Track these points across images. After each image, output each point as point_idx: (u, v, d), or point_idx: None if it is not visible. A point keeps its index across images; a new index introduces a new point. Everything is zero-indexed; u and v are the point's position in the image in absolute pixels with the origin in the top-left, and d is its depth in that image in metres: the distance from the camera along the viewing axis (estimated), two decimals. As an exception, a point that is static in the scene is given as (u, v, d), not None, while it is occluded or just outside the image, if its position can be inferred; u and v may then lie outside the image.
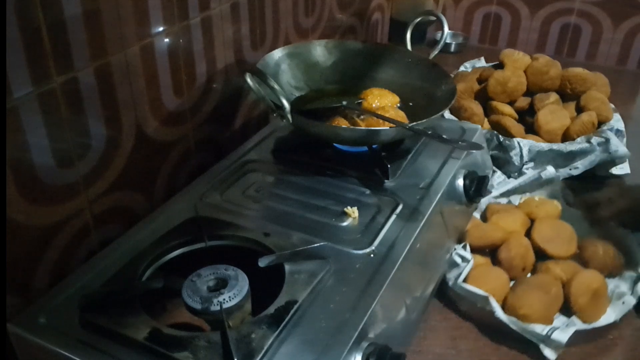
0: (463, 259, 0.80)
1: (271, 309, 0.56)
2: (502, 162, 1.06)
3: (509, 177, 1.05)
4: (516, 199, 0.97)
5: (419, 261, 0.71)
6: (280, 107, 0.74)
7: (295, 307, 0.56)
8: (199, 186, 0.78)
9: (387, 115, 0.83)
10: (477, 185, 0.85)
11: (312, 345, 0.54)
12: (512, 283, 0.80)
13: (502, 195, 0.97)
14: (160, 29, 0.74)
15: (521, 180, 0.98)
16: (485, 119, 1.15)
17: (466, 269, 0.79)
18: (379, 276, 0.62)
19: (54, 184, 0.63)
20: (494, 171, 1.04)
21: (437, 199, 0.76)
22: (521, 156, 1.03)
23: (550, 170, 0.97)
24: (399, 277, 0.64)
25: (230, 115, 0.95)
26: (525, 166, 1.04)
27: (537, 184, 0.98)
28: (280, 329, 0.54)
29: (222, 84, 0.89)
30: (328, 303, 0.58)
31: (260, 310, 0.56)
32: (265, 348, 0.52)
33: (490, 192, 0.99)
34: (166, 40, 0.75)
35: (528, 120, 1.15)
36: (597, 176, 1.05)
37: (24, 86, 0.57)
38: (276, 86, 0.75)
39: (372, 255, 0.65)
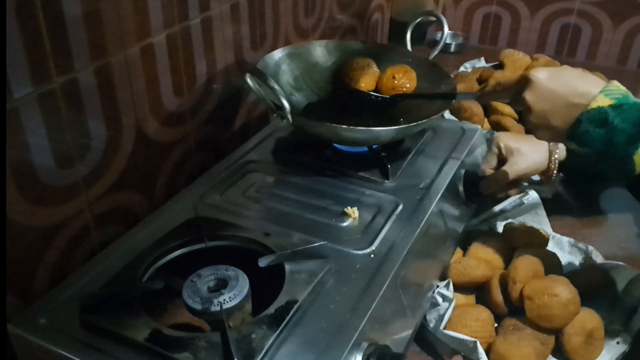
0: (444, 298, 0.74)
1: (271, 309, 0.56)
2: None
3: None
4: (500, 225, 0.92)
5: (419, 261, 0.71)
6: (281, 107, 0.74)
7: (296, 307, 0.56)
8: (199, 186, 0.78)
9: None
10: (477, 186, 0.85)
11: (312, 346, 0.54)
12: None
13: (484, 222, 0.93)
14: (160, 29, 0.74)
15: (502, 206, 0.93)
16: (485, 119, 1.15)
17: (448, 311, 0.73)
18: (379, 276, 0.62)
19: (54, 185, 0.63)
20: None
21: (437, 199, 0.76)
22: (521, 156, 1.03)
23: (532, 196, 0.92)
24: (399, 277, 0.64)
25: (230, 115, 0.95)
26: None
27: (521, 209, 0.93)
28: (281, 329, 0.54)
29: (222, 84, 0.89)
30: (328, 303, 0.58)
31: (261, 310, 0.56)
32: (266, 348, 0.52)
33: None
34: (166, 40, 0.75)
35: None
36: (597, 176, 1.05)
37: (24, 87, 0.57)
38: (276, 86, 0.75)
39: (372, 256, 0.65)
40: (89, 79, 0.65)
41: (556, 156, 0.90)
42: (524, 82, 0.70)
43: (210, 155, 0.91)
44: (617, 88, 0.66)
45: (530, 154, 0.89)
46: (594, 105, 0.65)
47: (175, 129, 0.82)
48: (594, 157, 0.68)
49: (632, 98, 0.66)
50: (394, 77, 0.90)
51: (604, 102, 0.64)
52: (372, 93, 0.91)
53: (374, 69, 0.93)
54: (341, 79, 0.94)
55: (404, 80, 0.90)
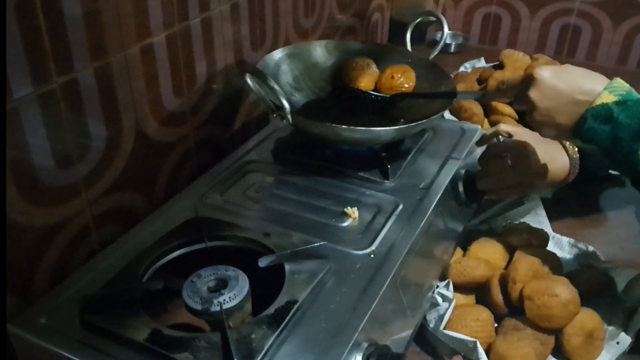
0: (444, 298, 0.74)
1: (271, 309, 0.56)
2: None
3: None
4: (499, 225, 0.91)
5: (419, 261, 0.71)
6: (281, 107, 0.74)
7: (296, 307, 0.56)
8: (199, 187, 0.78)
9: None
10: (477, 185, 0.85)
11: (312, 346, 0.54)
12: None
13: (483, 222, 0.93)
14: (160, 29, 0.74)
15: (501, 205, 0.93)
16: (485, 119, 1.15)
17: (448, 311, 0.72)
18: (379, 276, 0.62)
19: (54, 185, 0.63)
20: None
21: (437, 199, 0.76)
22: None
23: (532, 195, 0.92)
24: (399, 277, 0.64)
25: (230, 115, 0.95)
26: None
27: (521, 209, 0.94)
28: (281, 329, 0.54)
29: (222, 84, 0.89)
30: (328, 303, 0.58)
31: (261, 310, 0.56)
32: (266, 348, 0.52)
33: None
34: (166, 40, 0.75)
35: (528, 121, 1.15)
36: (597, 177, 1.05)
37: (24, 87, 0.57)
38: (276, 87, 0.75)
39: (372, 256, 0.65)
40: (89, 79, 0.65)
41: (576, 166, 0.88)
42: (528, 80, 0.70)
43: (210, 155, 0.91)
44: (621, 85, 0.67)
45: (552, 170, 0.86)
46: (598, 102, 0.66)
47: (175, 129, 0.82)
48: (599, 154, 0.69)
49: (635, 94, 0.66)
50: (392, 77, 0.90)
51: (608, 98, 0.65)
52: (372, 92, 0.91)
53: (373, 69, 0.93)
54: (341, 78, 0.94)
55: (403, 79, 0.90)
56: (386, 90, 0.90)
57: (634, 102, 0.65)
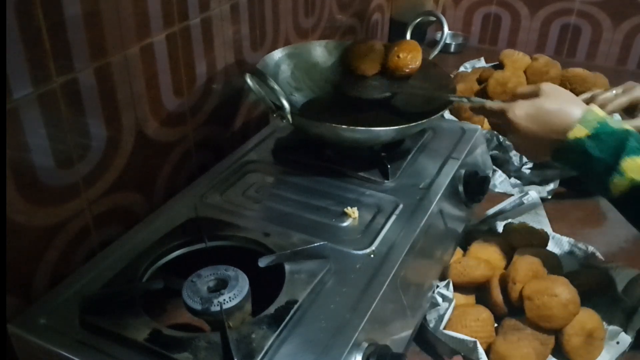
0: (444, 298, 0.74)
1: (271, 309, 0.56)
2: (502, 162, 1.06)
3: (509, 177, 1.05)
4: (499, 225, 0.92)
5: (419, 261, 0.71)
6: (280, 107, 0.74)
7: (296, 307, 0.56)
8: (199, 187, 0.78)
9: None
10: (477, 186, 0.85)
11: (312, 346, 0.54)
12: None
13: (484, 222, 0.93)
14: (160, 29, 0.74)
15: (502, 206, 0.93)
16: (485, 119, 1.15)
17: (448, 311, 0.72)
18: (379, 276, 0.62)
19: (54, 185, 0.63)
20: (494, 170, 1.04)
21: (437, 199, 0.76)
22: (520, 156, 1.03)
23: (532, 196, 0.93)
24: (399, 277, 0.64)
25: (230, 115, 0.95)
26: (524, 167, 1.04)
27: (521, 209, 0.94)
28: (281, 329, 0.54)
29: (222, 84, 0.89)
30: (328, 303, 0.58)
31: (261, 310, 0.56)
32: (266, 348, 0.52)
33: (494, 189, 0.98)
34: (166, 40, 0.75)
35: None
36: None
37: (24, 87, 0.57)
38: (276, 87, 0.75)
39: (372, 256, 0.65)
40: (89, 79, 0.65)
41: None
42: (504, 119, 0.72)
43: (210, 155, 0.91)
44: (595, 116, 0.67)
45: None
46: (571, 136, 0.67)
47: (175, 129, 0.82)
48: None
49: (609, 125, 0.66)
50: (398, 57, 0.90)
51: (581, 132, 0.66)
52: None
53: (378, 49, 0.93)
54: (343, 72, 0.95)
55: (409, 58, 0.90)
56: (392, 70, 0.91)
57: (607, 135, 0.66)
